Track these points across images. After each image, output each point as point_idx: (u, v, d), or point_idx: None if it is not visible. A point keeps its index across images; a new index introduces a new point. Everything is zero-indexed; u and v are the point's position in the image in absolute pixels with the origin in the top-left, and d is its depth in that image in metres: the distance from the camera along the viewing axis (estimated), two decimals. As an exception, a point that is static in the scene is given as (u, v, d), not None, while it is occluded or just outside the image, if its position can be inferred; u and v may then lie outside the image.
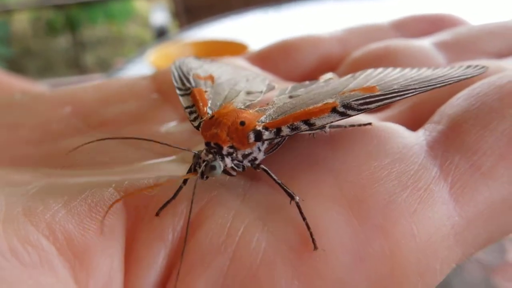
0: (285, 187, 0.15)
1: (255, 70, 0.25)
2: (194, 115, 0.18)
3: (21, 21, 2.23)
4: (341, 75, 0.24)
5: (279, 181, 0.16)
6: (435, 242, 0.15)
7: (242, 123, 0.16)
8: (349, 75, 0.20)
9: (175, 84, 0.20)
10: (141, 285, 0.15)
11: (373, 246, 0.14)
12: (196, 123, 0.18)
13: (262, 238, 0.15)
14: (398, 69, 0.19)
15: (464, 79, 0.17)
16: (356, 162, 0.16)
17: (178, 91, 0.20)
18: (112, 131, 0.22)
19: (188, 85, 0.20)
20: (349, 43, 0.27)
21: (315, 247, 0.14)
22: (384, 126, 0.18)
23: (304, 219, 0.15)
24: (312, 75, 0.25)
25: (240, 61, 0.26)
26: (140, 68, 0.75)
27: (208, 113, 0.18)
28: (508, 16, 0.28)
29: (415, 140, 0.17)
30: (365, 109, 0.16)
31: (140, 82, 0.25)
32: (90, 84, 0.25)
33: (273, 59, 0.26)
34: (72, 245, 0.14)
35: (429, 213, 0.15)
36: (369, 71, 0.19)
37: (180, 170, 0.18)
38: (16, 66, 1.82)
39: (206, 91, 0.19)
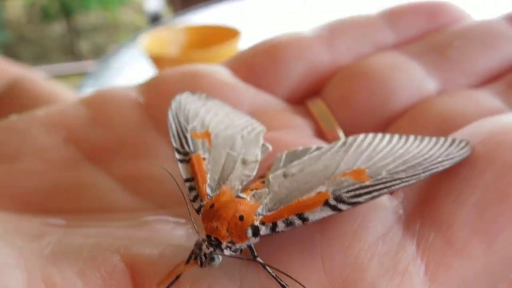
0: (279, 280, 0.16)
1: (248, 116, 0.23)
2: (194, 193, 0.19)
3: (15, 7, 2.21)
4: (327, 99, 0.25)
5: (274, 274, 0.16)
6: None
7: (241, 218, 0.17)
8: (340, 143, 0.20)
9: (173, 144, 0.20)
10: None
11: None
12: (196, 206, 0.18)
13: None
14: (386, 139, 0.19)
15: (448, 165, 0.18)
16: (342, 245, 0.17)
17: (177, 155, 0.20)
18: (104, 166, 0.22)
19: (186, 148, 0.20)
20: (338, 48, 0.26)
21: None
22: None
23: None
24: (299, 88, 0.25)
25: (223, 71, 0.26)
26: (133, 53, 0.75)
27: (208, 194, 0.18)
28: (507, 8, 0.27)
29: (395, 215, 0.18)
30: (355, 202, 0.17)
31: (130, 102, 0.24)
32: (81, 101, 0.25)
33: (259, 70, 0.26)
34: None
35: None
36: (359, 140, 0.20)
37: (182, 236, 0.19)
38: (10, 53, 1.81)
39: (204, 158, 0.20)
